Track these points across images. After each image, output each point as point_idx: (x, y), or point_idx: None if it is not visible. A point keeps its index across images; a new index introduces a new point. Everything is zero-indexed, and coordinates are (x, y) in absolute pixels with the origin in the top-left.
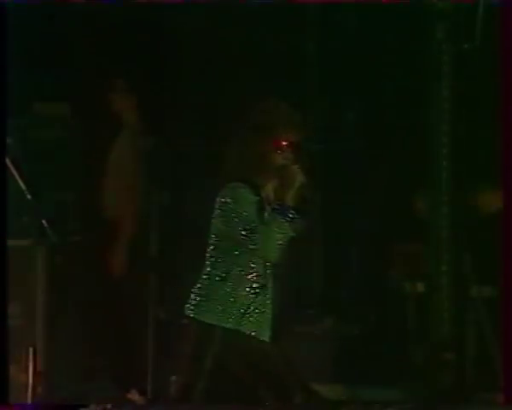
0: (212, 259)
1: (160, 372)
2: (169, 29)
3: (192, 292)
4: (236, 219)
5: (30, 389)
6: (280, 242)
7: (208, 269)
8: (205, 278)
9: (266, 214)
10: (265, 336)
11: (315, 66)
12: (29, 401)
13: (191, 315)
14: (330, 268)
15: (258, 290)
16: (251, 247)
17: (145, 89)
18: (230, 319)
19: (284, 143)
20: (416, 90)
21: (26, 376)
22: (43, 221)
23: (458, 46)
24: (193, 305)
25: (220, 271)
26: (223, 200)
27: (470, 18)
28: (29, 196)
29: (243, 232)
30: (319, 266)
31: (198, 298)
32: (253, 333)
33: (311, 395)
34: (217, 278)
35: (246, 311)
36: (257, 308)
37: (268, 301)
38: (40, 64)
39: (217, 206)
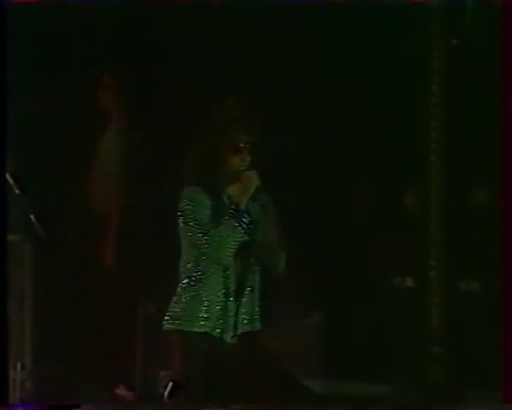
0: (184, 266)
1: (148, 368)
2: (159, 28)
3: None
4: (192, 223)
5: (18, 386)
6: (233, 246)
7: (183, 277)
8: (182, 287)
9: (224, 217)
10: (257, 327)
11: (300, 65)
12: (17, 397)
13: (171, 328)
14: (317, 265)
15: (234, 291)
16: (205, 250)
17: (132, 86)
18: (210, 324)
19: (241, 145)
20: (405, 86)
21: (14, 373)
22: (31, 216)
23: (447, 42)
24: (172, 317)
25: (194, 276)
26: (182, 204)
27: (460, 13)
28: (17, 191)
29: (199, 235)
30: (305, 261)
31: (177, 309)
32: (239, 331)
33: (302, 392)
34: (192, 284)
35: (224, 313)
36: (237, 309)
37: (247, 300)
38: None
39: (179, 210)
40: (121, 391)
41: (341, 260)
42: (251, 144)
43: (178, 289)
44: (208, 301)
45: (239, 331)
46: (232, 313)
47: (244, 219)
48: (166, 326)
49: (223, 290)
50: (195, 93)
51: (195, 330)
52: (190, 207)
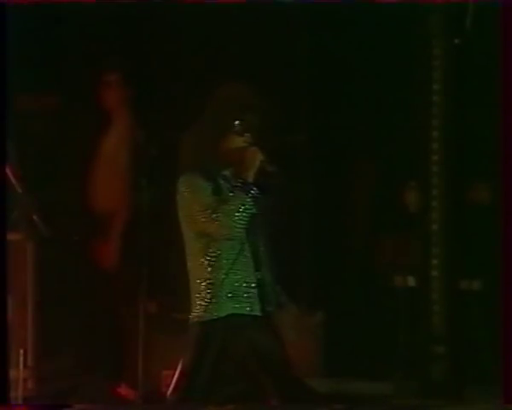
0: (195, 257)
1: (150, 367)
2: (160, 25)
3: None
4: (196, 209)
5: (20, 384)
6: (242, 218)
7: (197, 269)
8: (198, 277)
9: (228, 194)
10: (257, 311)
11: (302, 60)
12: (19, 395)
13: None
14: (319, 264)
15: (238, 269)
16: (211, 230)
17: (137, 83)
18: (237, 305)
19: (241, 122)
20: (406, 84)
21: (17, 371)
22: (34, 216)
23: (449, 41)
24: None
25: (208, 262)
26: (180, 194)
27: (461, 13)
28: (19, 190)
29: (203, 219)
30: (307, 259)
31: (199, 301)
32: (247, 309)
33: (304, 391)
34: (209, 270)
35: (233, 292)
36: (242, 286)
37: (251, 277)
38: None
39: (177, 201)
40: (123, 390)
41: (343, 259)
42: (251, 121)
43: (196, 282)
44: (230, 283)
45: (267, 305)
46: (255, 286)
47: (252, 191)
48: (193, 320)
49: (243, 266)
50: (202, 91)
51: (223, 314)
52: (189, 193)
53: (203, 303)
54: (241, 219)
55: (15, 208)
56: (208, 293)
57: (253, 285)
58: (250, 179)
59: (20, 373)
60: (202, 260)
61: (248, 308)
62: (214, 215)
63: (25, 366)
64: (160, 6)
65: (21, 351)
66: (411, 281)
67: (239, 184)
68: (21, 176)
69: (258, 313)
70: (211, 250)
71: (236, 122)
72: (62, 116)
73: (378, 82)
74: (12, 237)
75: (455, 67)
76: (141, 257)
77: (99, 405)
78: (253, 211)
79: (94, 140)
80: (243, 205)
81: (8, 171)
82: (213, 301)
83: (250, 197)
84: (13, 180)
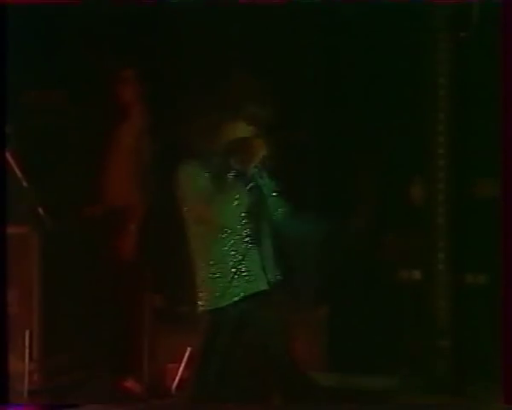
0: (197, 245)
1: (156, 361)
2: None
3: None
4: (194, 196)
5: (26, 377)
6: (237, 209)
7: (199, 258)
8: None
9: (227, 181)
10: (263, 285)
11: (312, 55)
12: (25, 388)
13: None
14: (324, 258)
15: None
16: (207, 216)
17: (151, 80)
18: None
19: (247, 114)
20: (412, 79)
21: (23, 364)
22: (40, 209)
23: (455, 34)
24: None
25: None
26: (178, 183)
27: (467, 7)
28: (25, 184)
29: (199, 205)
30: (312, 253)
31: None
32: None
33: (310, 386)
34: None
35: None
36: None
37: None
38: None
39: (177, 191)
40: (129, 384)
41: (348, 254)
42: (256, 113)
43: (199, 272)
44: (235, 268)
45: (270, 277)
46: (258, 261)
47: (251, 183)
48: (201, 309)
49: (243, 247)
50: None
51: (229, 302)
52: (187, 182)
53: (207, 292)
54: (236, 210)
55: (20, 202)
56: (212, 279)
57: (256, 267)
58: (250, 171)
59: (25, 367)
60: (202, 246)
61: (254, 286)
62: (209, 205)
63: (30, 359)
64: (173, 4)
65: (27, 345)
66: (416, 275)
67: (239, 174)
68: (30, 170)
69: (265, 288)
70: (211, 236)
71: (245, 113)
72: (74, 111)
73: (383, 77)
74: (17, 230)
75: (460, 61)
76: (147, 250)
77: (107, 404)
78: (250, 203)
79: (106, 136)
80: (240, 196)
81: (14, 164)
82: (220, 285)
83: (247, 190)
84: (18, 174)
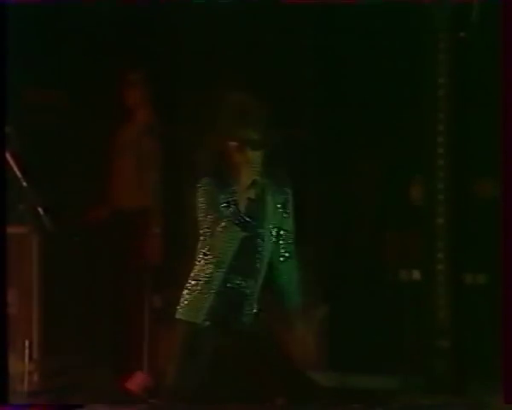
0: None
1: (157, 362)
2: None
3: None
4: (208, 213)
5: (26, 377)
6: (228, 243)
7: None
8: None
9: (223, 211)
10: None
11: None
12: (25, 388)
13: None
14: (324, 258)
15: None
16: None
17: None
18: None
19: (239, 141)
20: (412, 79)
21: (23, 364)
22: (39, 209)
23: (455, 34)
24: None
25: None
26: (198, 194)
27: (467, 7)
28: (24, 184)
29: (208, 226)
30: (313, 254)
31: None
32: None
33: (309, 386)
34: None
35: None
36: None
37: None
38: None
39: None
40: (130, 385)
41: (348, 253)
42: (249, 140)
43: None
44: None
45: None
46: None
47: (241, 218)
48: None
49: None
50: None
51: (199, 320)
52: (205, 197)
53: (191, 299)
54: (227, 245)
55: (20, 202)
56: (199, 290)
57: (247, 286)
58: (240, 204)
59: (25, 367)
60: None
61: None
62: (209, 229)
63: (30, 359)
64: (179, 6)
65: (27, 345)
66: (416, 275)
67: (233, 205)
68: (26, 170)
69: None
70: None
71: (234, 143)
72: (75, 112)
73: (383, 77)
74: (17, 230)
75: (460, 61)
76: (149, 251)
77: (109, 404)
78: (240, 236)
79: (106, 136)
80: (230, 232)
81: (14, 164)
82: (204, 297)
83: (238, 224)
84: (18, 174)
